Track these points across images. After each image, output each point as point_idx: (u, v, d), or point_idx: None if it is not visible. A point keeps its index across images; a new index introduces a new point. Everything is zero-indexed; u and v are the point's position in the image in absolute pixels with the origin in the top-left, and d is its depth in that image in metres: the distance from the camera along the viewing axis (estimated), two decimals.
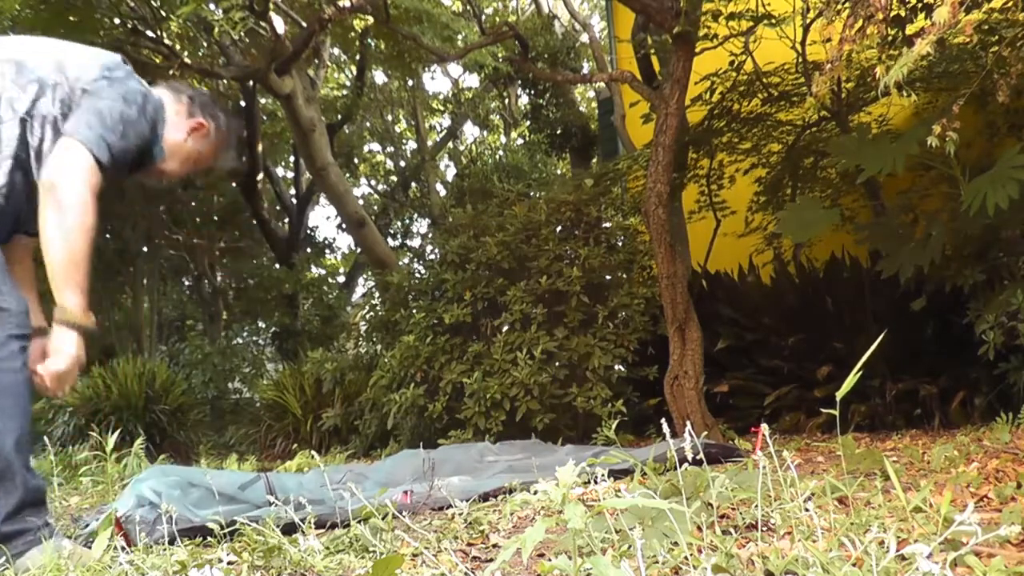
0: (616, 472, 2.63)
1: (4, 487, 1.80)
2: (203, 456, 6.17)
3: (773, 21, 4.66)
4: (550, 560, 1.18)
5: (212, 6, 7.40)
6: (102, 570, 1.75)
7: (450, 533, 2.01)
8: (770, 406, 4.27)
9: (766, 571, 1.33)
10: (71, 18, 7.07)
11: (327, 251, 16.35)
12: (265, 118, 12.99)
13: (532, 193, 8.61)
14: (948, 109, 2.63)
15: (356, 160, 16.28)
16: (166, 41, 8.02)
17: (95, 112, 1.93)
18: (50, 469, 3.91)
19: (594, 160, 10.94)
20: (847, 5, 2.65)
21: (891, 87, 2.21)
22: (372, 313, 6.12)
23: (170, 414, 6.94)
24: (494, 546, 1.89)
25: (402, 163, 17.36)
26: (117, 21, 7.79)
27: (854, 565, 1.19)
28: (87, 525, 2.48)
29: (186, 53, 8.74)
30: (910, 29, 2.93)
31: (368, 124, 16.15)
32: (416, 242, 16.00)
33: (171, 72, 7.11)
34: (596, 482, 1.56)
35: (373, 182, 18.24)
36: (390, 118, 16.60)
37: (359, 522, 1.92)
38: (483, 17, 9.13)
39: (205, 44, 9.48)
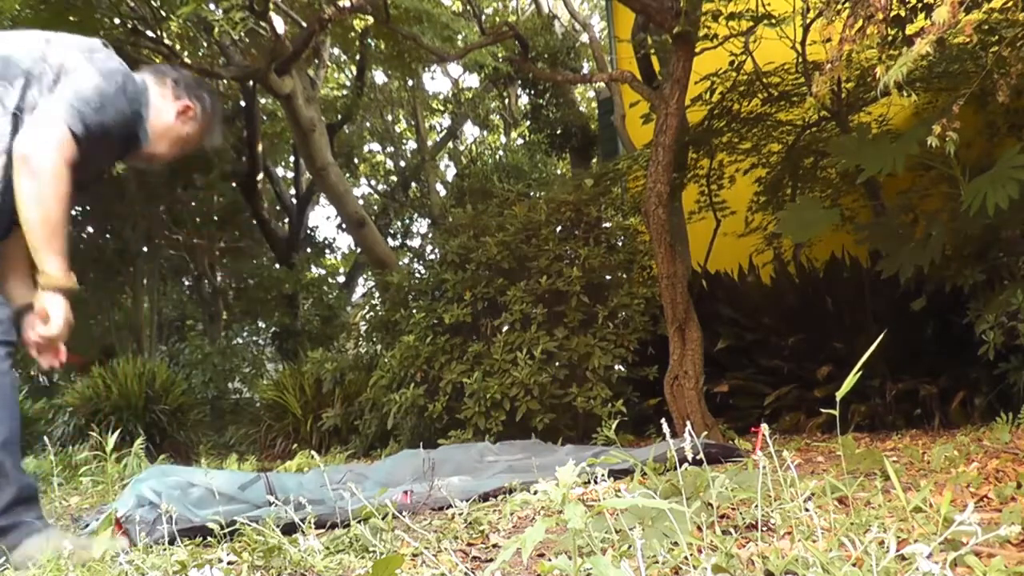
0: (616, 472, 2.63)
1: None
2: (203, 456, 6.17)
3: (773, 21, 4.66)
4: (550, 560, 1.18)
5: (212, 6, 7.40)
6: (102, 570, 1.75)
7: (450, 533, 2.01)
8: (770, 406, 4.27)
9: (766, 571, 1.33)
10: (71, 18, 7.08)
11: (327, 251, 16.37)
12: (265, 118, 13.00)
13: (532, 193, 8.62)
14: (948, 109, 2.63)
15: (356, 160, 16.29)
16: (166, 41, 8.02)
17: (71, 86, 1.96)
18: (50, 469, 3.91)
19: (594, 160, 10.94)
20: (847, 5, 2.65)
21: (891, 87, 2.21)
22: (372, 313, 6.11)
23: (170, 414, 6.94)
24: (494, 546, 1.89)
25: (402, 163, 17.37)
26: (117, 21, 7.79)
27: (854, 565, 1.19)
28: (87, 525, 2.48)
29: (186, 53, 8.75)
30: (910, 29, 2.93)
31: (368, 124, 16.16)
32: (416, 242, 16.02)
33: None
34: (596, 482, 1.56)
35: (373, 182, 18.25)
36: (390, 118, 16.60)
37: (359, 522, 1.92)
38: (483, 17, 9.13)
39: (205, 44, 9.48)
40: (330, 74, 14.54)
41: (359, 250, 12.67)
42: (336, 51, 13.00)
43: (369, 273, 10.09)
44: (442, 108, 17.11)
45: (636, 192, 5.78)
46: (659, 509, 1.53)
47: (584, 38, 10.66)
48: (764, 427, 1.63)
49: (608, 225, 5.26)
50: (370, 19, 9.13)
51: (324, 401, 6.40)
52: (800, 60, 4.69)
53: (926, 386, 3.83)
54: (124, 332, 11.52)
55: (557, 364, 4.56)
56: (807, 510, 1.56)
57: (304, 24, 8.55)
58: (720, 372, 4.43)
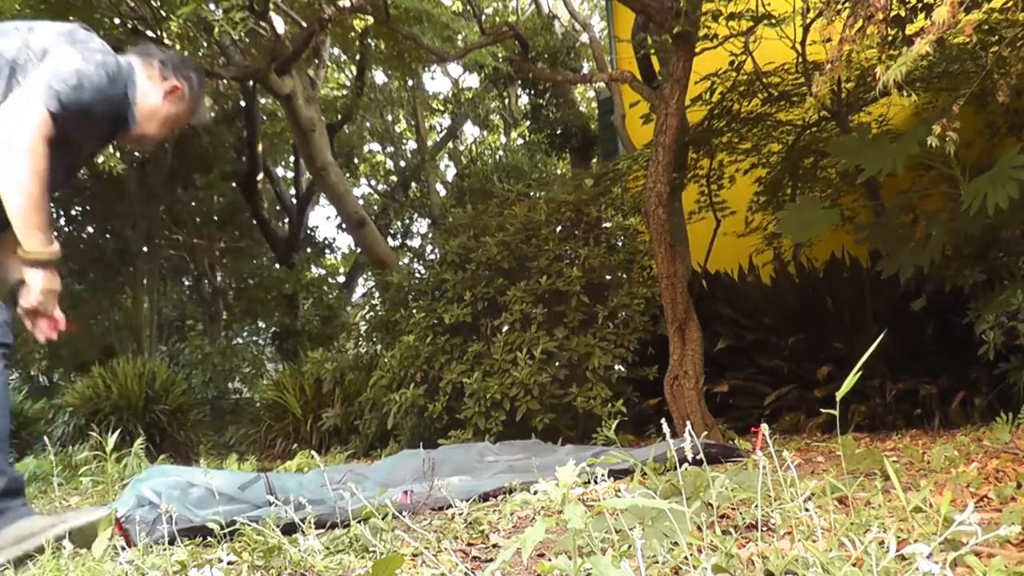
0: (616, 472, 2.63)
1: None
2: (203, 456, 6.17)
3: (773, 21, 4.66)
4: (550, 560, 1.18)
5: (212, 6, 7.39)
6: (102, 571, 1.75)
7: (450, 533, 2.01)
8: (770, 406, 4.27)
9: (766, 571, 1.33)
10: (71, 18, 7.07)
11: (327, 251, 16.36)
12: (265, 118, 13.00)
13: (532, 193, 8.62)
14: (948, 109, 2.63)
15: (356, 160, 16.28)
16: (166, 41, 8.01)
17: (49, 65, 1.98)
18: (50, 469, 3.91)
19: (594, 160, 10.94)
20: (847, 5, 2.65)
21: (891, 87, 2.21)
22: (372, 313, 6.11)
23: (170, 414, 6.94)
24: (494, 546, 1.89)
25: (402, 163, 17.37)
26: (117, 21, 7.78)
27: (854, 565, 1.19)
28: None
29: (186, 53, 8.73)
30: (910, 29, 2.93)
31: (368, 124, 16.15)
32: (416, 242, 16.02)
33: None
34: (596, 482, 1.56)
35: (373, 182, 18.25)
36: (390, 118, 16.60)
37: (359, 522, 1.92)
38: (483, 17, 9.13)
39: (205, 44, 9.47)
40: (330, 74, 14.54)
41: (359, 250, 12.67)
42: (336, 51, 13.00)
43: (369, 273, 10.09)
44: (442, 108, 17.11)
45: (636, 192, 5.78)
46: (659, 509, 1.53)
47: (584, 38, 10.66)
48: (764, 427, 1.63)
49: (608, 225, 5.26)
50: (370, 19, 9.13)
51: (324, 401, 6.40)
52: (800, 60, 4.69)
53: (926, 386, 3.83)
54: (124, 332, 11.52)
55: (557, 364, 4.56)
56: (807, 510, 1.56)
57: (304, 24, 8.55)
58: (720, 372, 4.43)
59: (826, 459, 2.93)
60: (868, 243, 4.17)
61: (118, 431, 4.18)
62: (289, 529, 2.00)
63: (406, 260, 10.01)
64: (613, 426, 3.46)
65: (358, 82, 12.81)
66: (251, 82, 10.10)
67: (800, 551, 1.32)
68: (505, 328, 4.77)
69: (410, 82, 14.01)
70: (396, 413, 4.83)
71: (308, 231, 15.15)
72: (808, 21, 4.59)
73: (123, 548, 1.90)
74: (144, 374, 7.02)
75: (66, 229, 11.17)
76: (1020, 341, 3.25)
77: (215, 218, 13.00)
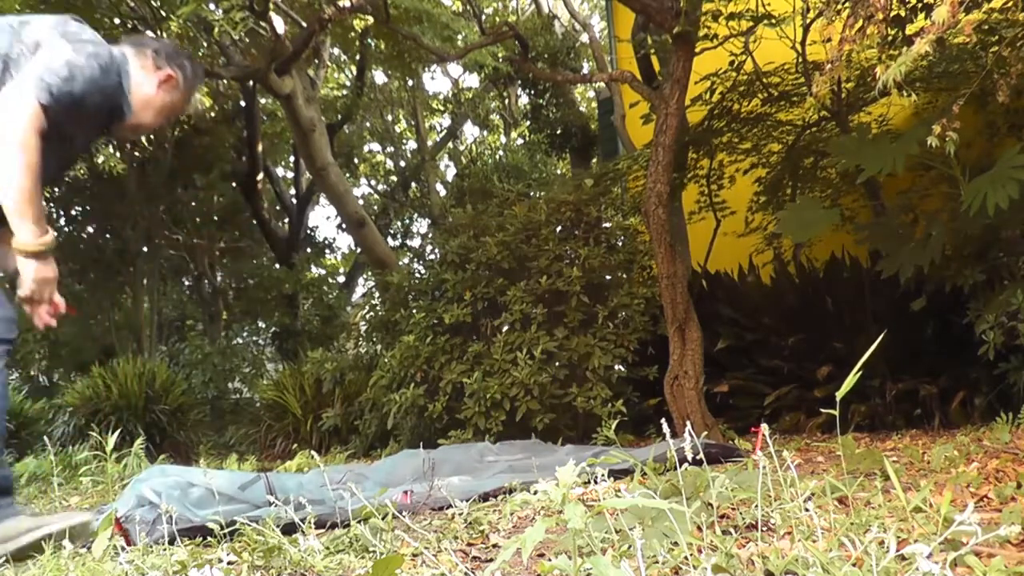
0: (616, 472, 2.63)
1: None
2: (203, 456, 6.17)
3: (773, 21, 4.66)
4: (550, 560, 1.19)
5: (212, 6, 7.40)
6: (102, 571, 1.75)
7: (450, 533, 2.01)
8: (770, 406, 4.27)
9: (766, 571, 1.33)
10: None
11: (327, 251, 16.35)
12: (265, 118, 13.00)
13: (532, 193, 8.61)
14: (948, 109, 2.63)
15: (356, 160, 16.28)
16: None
17: (40, 58, 1.98)
18: (50, 469, 3.91)
19: (594, 160, 10.94)
20: (847, 5, 2.66)
21: (891, 87, 2.21)
22: (372, 313, 6.11)
23: (170, 414, 6.94)
24: (494, 546, 1.89)
25: (402, 163, 17.36)
26: (117, 21, 7.79)
27: (854, 565, 1.19)
28: None
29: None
30: (910, 29, 2.93)
31: (368, 124, 16.15)
32: (416, 242, 16.02)
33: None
34: (596, 482, 1.56)
35: (373, 182, 18.24)
36: (390, 118, 16.60)
37: (359, 522, 1.92)
38: (483, 17, 9.13)
39: (205, 44, 9.47)
40: (330, 74, 14.54)
41: (359, 250, 12.66)
42: (336, 51, 12.99)
43: (369, 273, 10.09)
44: (442, 108, 17.11)
45: (636, 192, 5.78)
46: (659, 509, 1.53)
47: (584, 38, 10.66)
48: (764, 427, 1.63)
49: (608, 225, 5.26)
50: (370, 19, 9.13)
51: (324, 401, 6.40)
52: (800, 60, 4.69)
53: (926, 386, 3.83)
54: (124, 332, 11.51)
55: (557, 364, 4.56)
56: (807, 510, 1.56)
57: (304, 24, 8.54)
58: (720, 372, 4.43)
59: (826, 459, 2.93)
60: (868, 243, 4.17)
61: (118, 431, 4.18)
62: (289, 529, 2.00)
63: (406, 260, 10.01)
64: (613, 426, 3.46)
65: (358, 82, 12.81)
66: (251, 82, 10.10)
67: (800, 551, 1.32)
68: (505, 328, 4.77)
69: (410, 82, 14.01)
70: (396, 413, 4.83)
71: (308, 231, 15.15)
72: (808, 21, 4.59)
73: (123, 548, 1.90)
74: (144, 374, 7.02)
75: (66, 229, 11.16)
76: (1020, 341, 3.25)
77: (215, 218, 12.99)
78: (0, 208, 1.99)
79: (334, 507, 2.28)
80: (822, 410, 1.96)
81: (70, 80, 1.97)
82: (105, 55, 2.08)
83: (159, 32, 7.81)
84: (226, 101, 12.22)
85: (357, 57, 12.40)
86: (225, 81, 11.09)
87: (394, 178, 17.33)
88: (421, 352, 4.84)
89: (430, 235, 13.12)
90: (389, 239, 14.67)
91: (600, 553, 1.48)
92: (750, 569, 1.36)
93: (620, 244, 5.16)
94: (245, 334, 13.01)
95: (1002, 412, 3.09)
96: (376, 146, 17.62)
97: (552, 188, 7.43)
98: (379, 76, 14.58)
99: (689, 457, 1.50)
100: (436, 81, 43.67)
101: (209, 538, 2.08)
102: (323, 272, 16.44)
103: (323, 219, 50.53)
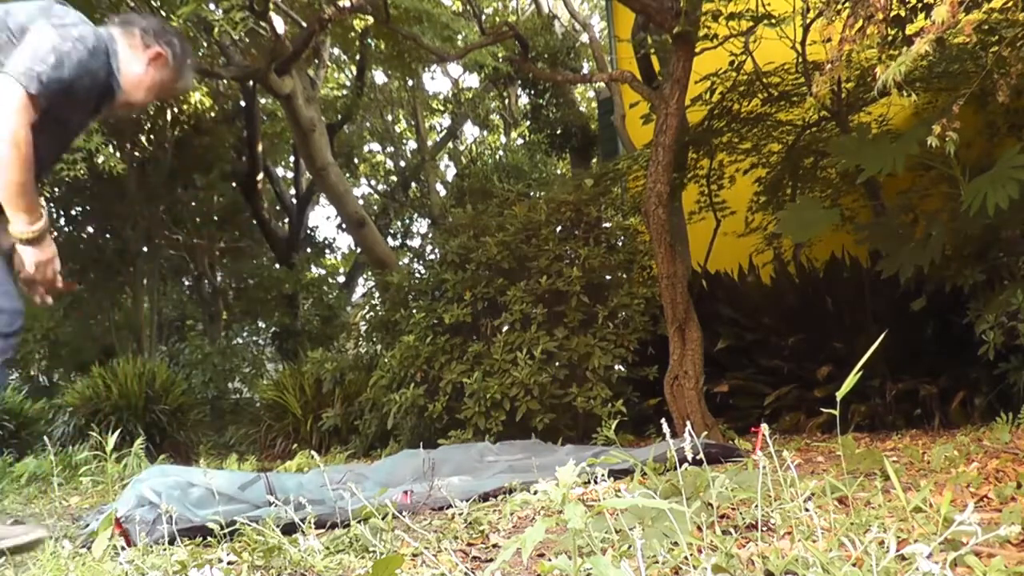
0: (616, 472, 2.63)
1: None
2: (203, 456, 6.17)
3: (773, 21, 4.66)
4: (550, 560, 1.19)
5: (212, 6, 7.40)
6: (102, 571, 1.75)
7: (450, 533, 2.01)
8: (770, 406, 4.27)
9: (766, 571, 1.33)
10: None
11: (327, 251, 16.36)
12: (265, 118, 13.00)
13: (532, 193, 8.61)
14: (948, 109, 2.63)
15: (356, 160, 16.28)
16: None
17: (27, 46, 1.98)
18: (50, 469, 3.91)
19: (594, 160, 10.94)
20: (847, 5, 2.66)
21: (891, 87, 2.21)
22: (372, 313, 6.11)
23: (170, 414, 6.94)
24: (494, 546, 1.89)
25: (402, 163, 17.36)
26: None
27: (854, 565, 1.19)
28: (87, 525, 2.48)
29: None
30: (910, 29, 2.93)
31: (368, 124, 16.15)
32: (416, 242, 16.02)
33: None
34: (596, 482, 1.56)
35: (373, 182, 18.24)
36: (390, 118, 16.60)
37: (359, 522, 1.92)
38: (483, 17, 9.13)
39: (205, 44, 9.48)
40: (330, 74, 14.54)
41: (359, 250, 12.66)
42: (336, 51, 12.99)
43: (369, 273, 10.08)
44: (442, 108, 17.10)
45: (636, 192, 5.78)
46: (659, 509, 1.53)
47: (584, 38, 10.66)
48: (764, 427, 1.64)
49: (608, 225, 5.26)
50: (370, 19, 9.13)
51: (324, 401, 6.39)
52: (800, 60, 4.69)
53: (926, 386, 3.83)
54: (124, 332, 11.51)
55: (557, 364, 4.56)
56: (807, 510, 1.56)
57: (304, 24, 8.54)
58: (720, 372, 4.43)
59: (826, 459, 2.93)
60: (868, 243, 4.17)
61: (118, 431, 4.17)
62: (289, 529, 2.00)
63: (406, 260, 10.01)
64: (613, 426, 3.46)
65: (358, 82, 12.81)
66: (251, 82, 10.10)
67: (800, 551, 1.32)
68: (505, 328, 4.77)
69: (410, 82, 14.01)
70: (396, 413, 4.83)
71: (308, 231, 15.15)
72: (808, 21, 4.59)
73: (123, 548, 1.90)
74: (144, 374, 7.01)
75: (66, 229, 11.16)
76: (1020, 341, 3.25)
77: (215, 218, 12.99)
78: None
79: (334, 507, 2.28)
80: (822, 410, 1.96)
81: (59, 67, 1.98)
82: (91, 36, 2.09)
83: None
84: (226, 101, 12.22)
85: (357, 57, 12.40)
86: (225, 81, 11.10)
87: (394, 178, 17.33)
88: (421, 352, 4.84)
89: (430, 235, 13.12)
90: (389, 239, 14.67)
91: (600, 553, 1.48)
92: (750, 569, 1.36)
93: (620, 244, 5.16)
94: (245, 334, 13.01)
95: (1002, 412, 3.09)
96: (376, 146, 17.62)
97: (552, 188, 7.44)
98: (379, 76, 14.58)
99: (689, 457, 1.50)
100: (436, 81, 43.65)
101: (209, 538, 2.08)
102: (323, 272, 16.44)
103: (323, 219, 50.54)
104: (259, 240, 13.50)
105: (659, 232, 3.97)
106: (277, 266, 12.99)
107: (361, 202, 12.12)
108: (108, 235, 11.49)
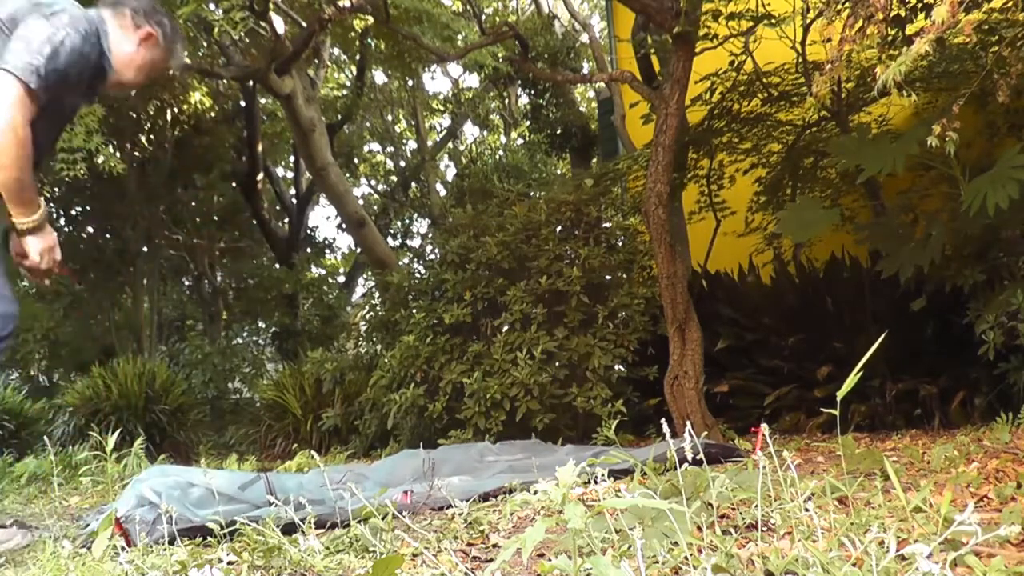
0: (616, 472, 2.63)
1: None
2: (203, 456, 6.17)
3: (773, 21, 4.66)
4: (550, 560, 1.19)
5: (212, 6, 7.39)
6: (102, 571, 1.75)
7: (450, 533, 2.01)
8: (770, 406, 4.27)
9: (766, 571, 1.33)
10: None
11: (327, 251, 16.36)
12: (265, 118, 13.00)
13: (532, 193, 8.61)
14: (948, 109, 2.63)
15: (356, 160, 16.28)
16: None
17: (21, 39, 2.00)
18: (50, 469, 3.91)
19: (594, 160, 10.94)
20: (847, 5, 2.65)
21: (891, 87, 2.21)
22: (372, 313, 6.11)
23: (170, 414, 6.94)
24: (494, 546, 1.89)
25: (402, 163, 17.37)
26: None
27: (854, 565, 1.19)
28: (87, 525, 2.48)
29: (186, 53, 8.72)
30: (910, 29, 2.93)
31: (368, 124, 16.15)
32: (416, 242, 16.02)
33: (171, 72, 7.12)
34: (596, 482, 1.56)
35: (373, 182, 18.24)
36: (390, 118, 16.60)
37: (359, 522, 1.92)
38: (483, 17, 9.13)
39: (205, 44, 9.48)
40: (330, 74, 14.54)
41: (359, 250, 12.67)
42: (336, 51, 12.99)
43: (369, 273, 10.09)
44: (442, 108, 17.11)
45: (636, 192, 5.78)
46: (659, 509, 1.53)
47: (584, 38, 10.66)
48: (764, 427, 1.64)
49: (608, 225, 5.26)
50: (370, 19, 9.13)
51: (324, 401, 6.39)
52: (800, 60, 4.69)
53: (926, 386, 3.83)
54: (124, 332, 11.50)
55: (557, 364, 4.56)
56: (807, 510, 1.56)
57: (304, 24, 8.55)
58: (720, 372, 4.43)
59: (826, 459, 2.93)
60: (868, 243, 4.17)
61: (118, 431, 4.17)
62: (289, 529, 2.00)
63: (406, 260, 10.02)
64: (613, 426, 3.46)
65: (358, 82, 12.81)
66: (251, 82, 10.10)
67: (800, 551, 1.32)
68: (505, 328, 4.77)
69: (410, 82, 14.01)
70: (396, 413, 4.83)
71: (308, 231, 15.15)
72: (808, 21, 4.59)
73: (123, 548, 1.90)
74: (144, 374, 7.01)
75: (66, 229, 11.15)
76: (1020, 341, 3.25)
77: (215, 218, 12.99)
78: None
79: (334, 507, 2.28)
80: (822, 410, 1.96)
81: (54, 57, 1.99)
82: (82, 20, 2.10)
83: None
84: (226, 101, 12.22)
85: (357, 57, 12.40)
86: (225, 81, 11.09)
87: (394, 178, 17.33)
88: (421, 352, 4.84)
89: (430, 235, 13.13)
90: (389, 239, 14.67)
91: (600, 553, 1.48)
92: (750, 569, 1.36)
93: (620, 244, 5.16)
94: (245, 334, 13.01)
95: (1002, 412, 3.09)
96: (376, 146, 17.62)
97: (552, 188, 7.44)
98: (379, 76, 14.58)
99: (689, 457, 1.50)
100: (436, 81, 43.68)
101: (209, 538, 2.08)
102: (323, 272, 16.44)
103: (323, 219, 50.54)
104: (259, 240, 13.50)
105: (659, 232, 3.97)
106: (277, 266, 12.99)
107: (361, 202, 12.12)
108: (108, 235, 11.49)
